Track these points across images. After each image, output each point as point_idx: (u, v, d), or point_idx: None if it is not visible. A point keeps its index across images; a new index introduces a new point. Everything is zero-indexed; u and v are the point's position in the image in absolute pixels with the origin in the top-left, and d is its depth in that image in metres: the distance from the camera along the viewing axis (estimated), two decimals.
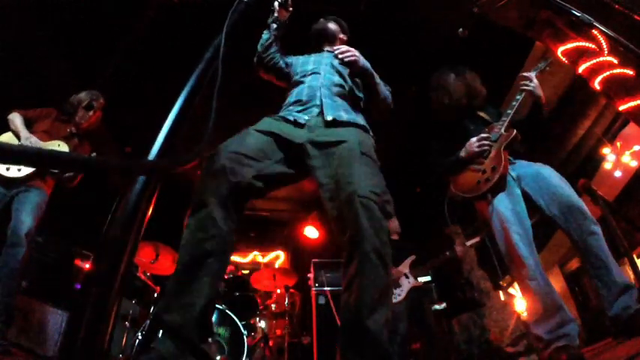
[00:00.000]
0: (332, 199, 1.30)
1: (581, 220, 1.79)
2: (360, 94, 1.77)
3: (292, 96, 1.68)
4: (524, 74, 2.13)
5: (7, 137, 2.58)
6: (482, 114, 2.27)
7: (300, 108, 1.57)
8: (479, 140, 2.05)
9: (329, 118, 1.49)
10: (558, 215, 1.84)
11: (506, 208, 1.91)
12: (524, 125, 2.11)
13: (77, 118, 2.80)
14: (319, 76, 1.71)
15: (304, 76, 1.75)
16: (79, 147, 2.75)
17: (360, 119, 1.62)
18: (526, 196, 1.95)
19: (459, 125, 2.27)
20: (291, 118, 1.49)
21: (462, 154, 2.10)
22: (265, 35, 1.82)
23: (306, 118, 1.50)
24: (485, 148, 2.04)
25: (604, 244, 1.76)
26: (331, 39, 2.00)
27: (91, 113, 2.84)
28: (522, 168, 2.03)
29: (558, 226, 1.86)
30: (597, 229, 1.78)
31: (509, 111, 2.10)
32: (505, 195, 1.94)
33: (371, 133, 1.60)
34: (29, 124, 2.64)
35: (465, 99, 2.26)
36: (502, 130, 2.05)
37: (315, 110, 1.54)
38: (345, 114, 1.55)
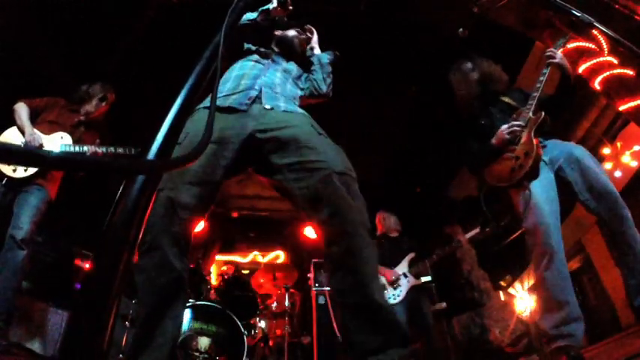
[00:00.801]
0: (299, 180, 1.25)
1: (613, 205, 1.78)
2: (299, 92, 1.75)
3: (229, 80, 1.61)
4: (548, 50, 2.09)
5: (12, 131, 2.57)
6: (506, 99, 2.25)
7: (235, 91, 1.52)
8: (509, 127, 2.02)
9: (267, 106, 1.45)
10: (590, 199, 1.82)
11: (538, 194, 1.89)
12: (552, 102, 2.08)
13: (89, 107, 2.82)
14: (262, 67, 1.68)
15: (247, 60, 1.72)
16: (85, 135, 2.74)
17: (300, 110, 1.56)
18: (560, 179, 1.93)
19: (483, 113, 2.24)
20: (227, 104, 1.43)
21: (493, 141, 2.07)
22: (249, 15, 1.75)
23: (246, 102, 1.44)
24: (517, 134, 2.01)
25: (635, 231, 1.74)
26: (293, 53, 1.95)
27: (103, 104, 2.88)
28: (554, 150, 2.00)
29: (589, 210, 1.85)
30: (629, 214, 1.77)
31: (534, 93, 2.06)
32: (538, 181, 1.92)
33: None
34: (36, 114, 2.64)
35: (483, 88, 2.26)
36: (530, 114, 2.01)
37: (253, 93, 1.49)
38: (284, 104, 1.51)
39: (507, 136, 2.02)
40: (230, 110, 1.43)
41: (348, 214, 1.15)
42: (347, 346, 1.06)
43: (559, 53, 2.06)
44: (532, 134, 1.96)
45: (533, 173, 1.92)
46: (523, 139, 1.99)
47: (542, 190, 1.89)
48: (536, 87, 2.06)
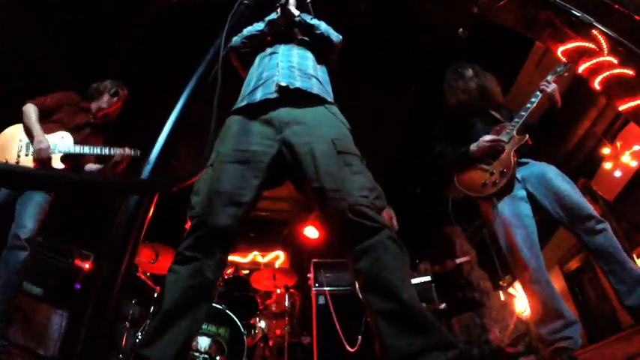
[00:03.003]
0: (322, 207, 1.27)
1: (586, 219, 1.79)
2: (319, 62, 1.76)
3: (252, 79, 1.65)
4: (543, 81, 2.12)
5: (14, 129, 2.51)
6: (493, 112, 2.26)
7: (259, 84, 1.56)
8: (494, 141, 2.03)
9: (283, 84, 1.48)
10: (563, 217, 1.84)
11: (510, 210, 1.91)
12: (535, 128, 2.10)
13: (101, 103, 2.75)
14: (277, 54, 1.71)
15: (263, 56, 1.76)
16: (90, 137, 2.69)
17: (316, 86, 1.56)
18: (532, 199, 1.95)
19: (467, 120, 2.26)
20: (258, 99, 1.47)
21: (474, 148, 2.08)
22: (258, 26, 1.82)
23: (274, 89, 1.48)
24: (498, 149, 2.03)
25: (613, 239, 1.76)
26: (291, 37, 1.95)
27: (115, 99, 2.80)
28: (528, 169, 2.02)
29: (564, 227, 1.87)
30: (604, 225, 1.79)
31: (522, 112, 2.08)
32: (510, 197, 1.94)
33: (331, 100, 1.57)
34: (46, 114, 2.56)
35: (479, 99, 2.25)
36: (514, 133, 2.03)
37: (276, 79, 1.53)
38: (300, 82, 1.53)
39: (488, 148, 2.03)
40: (260, 110, 1.45)
41: (371, 236, 1.16)
42: (382, 353, 1.02)
43: (553, 85, 2.08)
44: (512, 154, 1.98)
45: (504, 192, 1.95)
46: (502, 156, 2.01)
47: (514, 207, 1.92)
48: (526, 107, 2.09)
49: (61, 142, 2.54)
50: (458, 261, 3.73)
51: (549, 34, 3.01)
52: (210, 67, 0.65)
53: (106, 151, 2.60)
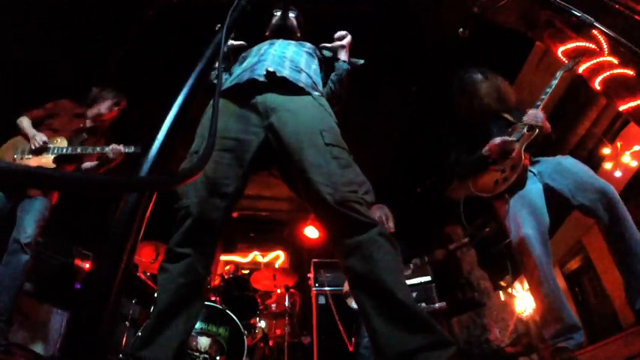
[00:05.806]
0: (309, 200, 1.24)
1: (610, 206, 1.73)
2: (314, 65, 1.72)
3: (245, 62, 1.63)
4: (554, 76, 2.12)
5: (14, 141, 2.57)
6: (506, 115, 2.23)
7: (249, 67, 1.54)
8: (504, 142, 2.01)
9: (271, 69, 1.44)
10: (586, 203, 1.78)
11: (522, 206, 1.88)
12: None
13: (101, 108, 2.79)
14: (272, 46, 1.69)
15: (260, 48, 1.73)
16: (86, 142, 2.71)
17: (304, 81, 1.51)
18: (550, 190, 1.91)
19: (481, 126, 2.22)
20: (245, 79, 1.44)
21: (484, 152, 2.06)
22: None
23: (263, 73, 1.44)
24: (507, 148, 2.01)
25: (635, 231, 1.70)
26: (290, 33, 1.93)
27: (116, 108, 2.86)
28: (543, 164, 2.01)
29: (586, 214, 1.81)
30: (627, 215, 1.73)
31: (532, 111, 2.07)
32: (524, 192, 1.91)
33: (320, 92, 1.54)
34: (39, 123, 2.63)
35: (494, 104, 2.21)
36: (524, 131, 2.02)
37: (267, 64, 1.50)
38: (288, 72, 1.50)
39: (498, 147, 2.01)
40: (247, 92, 1.42)
41: (362, 231, 1.13)
42: (378, 352, 1.00)
43: (540, 114, 2.02)
44: (523, 149, 1.96)
45: (517, 186, 1.92)
46: (513, 154, 1.99)
47: (528, 202, 1.88)
48: (536, 105, 2.08)
49: (55, 145, 2.58)
50: (452, 247, 3.72)
51: (550, 34, 3.00)
52: (210, 63, 0.65)
53: (98, 149, 2.62)
